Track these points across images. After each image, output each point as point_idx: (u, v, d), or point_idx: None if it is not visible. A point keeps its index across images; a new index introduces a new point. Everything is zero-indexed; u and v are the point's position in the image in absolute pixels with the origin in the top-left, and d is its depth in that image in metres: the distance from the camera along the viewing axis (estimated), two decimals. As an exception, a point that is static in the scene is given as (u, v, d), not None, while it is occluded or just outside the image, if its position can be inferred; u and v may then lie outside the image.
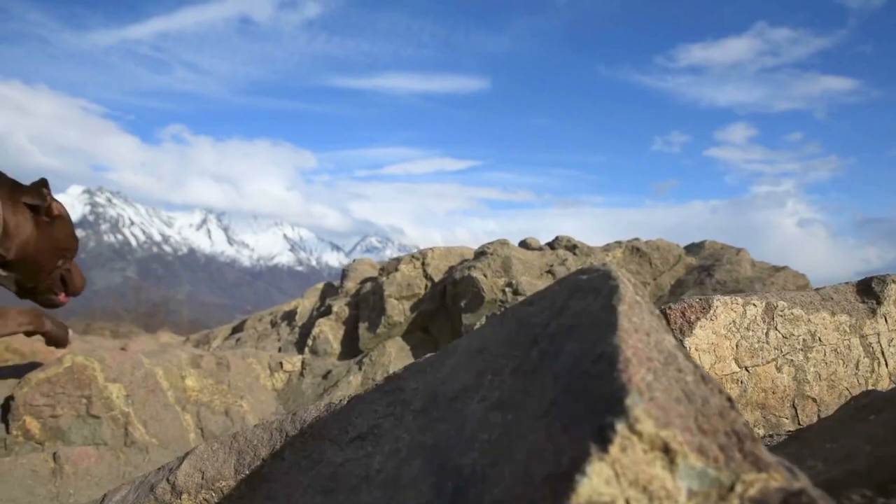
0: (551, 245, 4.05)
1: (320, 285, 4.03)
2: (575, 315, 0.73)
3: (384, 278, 3.38)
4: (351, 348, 3.32)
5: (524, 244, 4.34)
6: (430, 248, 3.55)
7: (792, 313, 1.59)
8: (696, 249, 3.62)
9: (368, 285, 3.50)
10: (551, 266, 3.34)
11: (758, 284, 3.05)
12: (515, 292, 2.99)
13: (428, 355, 1.10)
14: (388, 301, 3.27)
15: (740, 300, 1.54)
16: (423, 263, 3.46)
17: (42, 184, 2.03)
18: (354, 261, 3.95)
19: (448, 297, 3.23)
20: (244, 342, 3.86)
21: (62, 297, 2.22)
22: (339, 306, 3.48)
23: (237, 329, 4.84)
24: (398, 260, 3.48)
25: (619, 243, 3.72)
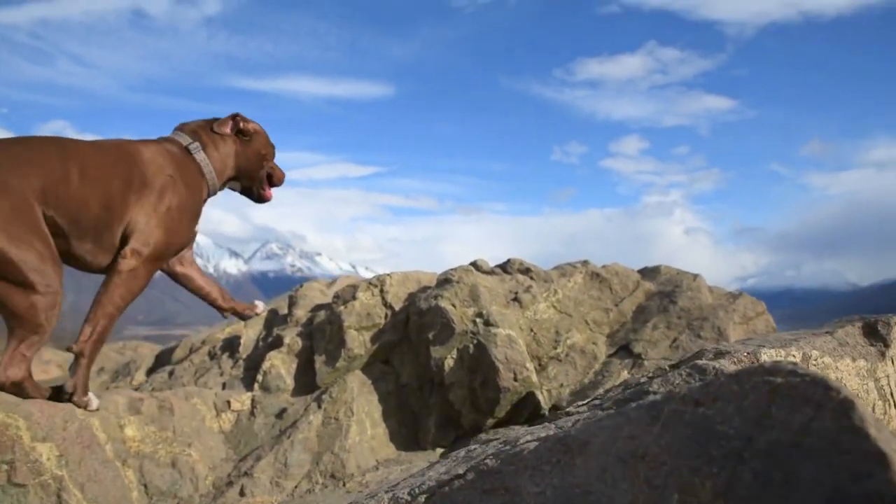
0: (504, 268, 3.97)
1: (263, 312, 3.74)
2: (795, 432, 0.62)
3: (342, 307, 3.16)
4: (306, 383, 3.07)
5: (475, 266, 4.24)
6: (388, 274, 3.37)
7: (823, 362, 1.56)
8: (651, 274, 3.65)
9: (322, 314, 3.27)
10: (516, 293, 3.25)
11: (720, 312, 3.09)
12: (487, 323, 2.87)
13: (525, 440, 0.94)
14: (347, 332, 3.06)
15: (783, 351, 1.49)
16: (381, 291, 3.28)
17: (234, 114, 2.66)
18: (303, 285, 3.70)
19: (412, 328, 3.06)
20: (179, 377, 3.50)
21: (268, 192, 2.73)
22: (291, 337, 3.23)
23: (162, 360, 4.42)
24: (354, 287, 3.27)
25: (575, 267, 3.69)
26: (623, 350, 3.08)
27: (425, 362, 2.93)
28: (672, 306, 3.21)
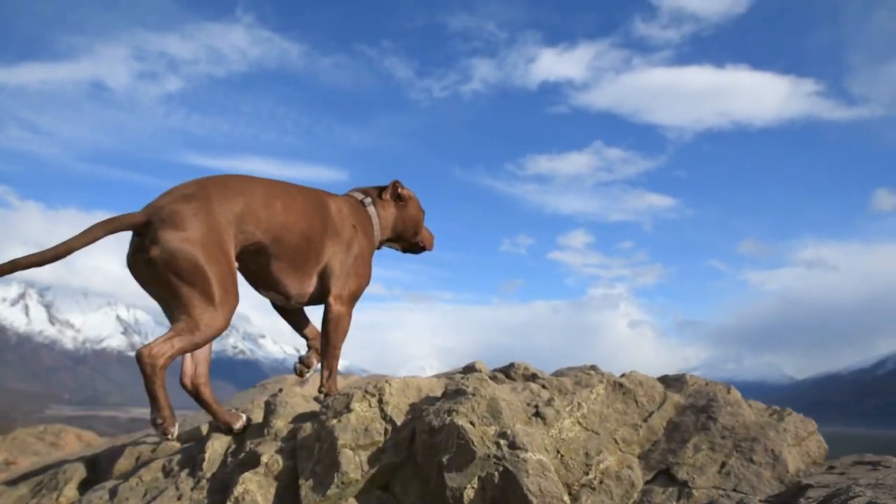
0: (507, 374, 3.55)
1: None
2: None
3: (334, 421, 2.66)
4: (288, 515, 2.52)
5: (472, 369, 3.80)
6: (386, 381, 2.90)
7: None
8: (676, 384, 3.29)
9: (308, 427, 2.75)
10: (537, 407, 2.82)
11: (770, 431, 2.73)
12: (513, 445, 2.42)
13: None
14: (342, 452, 2.55)
15: None
16: (379, 401, 2.80)
17: (394, 181, 3.32)
18: (281, 391, 3.17)
19: (420, 448, 2.57)
20: (124, 499, 2.88)
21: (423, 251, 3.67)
22: (270, 455, 2.69)
23: (98, 469, 3.74)
24: (348, 396, 2.78)
25: (594, 373, 3.31)
26: (663, 476, 2.66)
27: (437, 491, 2.43)
28: (712, 423, 2.83)
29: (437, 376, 3.75)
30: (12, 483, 4.10)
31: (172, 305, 2.45)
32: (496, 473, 2.35)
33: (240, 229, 2.56)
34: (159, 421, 2.53)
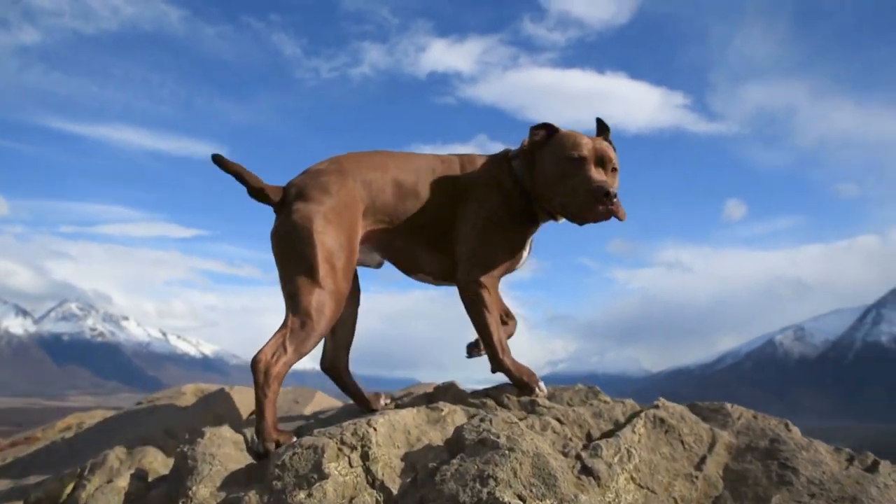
0: (496, 399, 2.75)
1: (124, 483, 2.13)
2: None
3: (302, 496, 1.72)
4: None
5: (447, 389, 2.95)
6: (368, 423, 2.00)
7: None
8: (716, 417, 2.63)
9: (254, 501, 1.79)
10: (580, 459, 2.04)
11: (871, 488, 2.12)
12: (581, 532, 1.62)
13: None
14: (318, 549, 1.62)
15: None
16: (364, 457, 1.89)
17: (532, 128, 2.76)
18: (201, 438, 2.16)
19: (435, 534, 1.70)
20: None
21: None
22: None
23: None
24: (316, 450, 1.85)
25: (610, 401, 2.59)
26: (747, 550, 1.97)
27: None
28: (793, 477, 2.18)
29: (410, 399, 2.87)
30: None
31: (283, 289, 2.33)
32: (566, 580, 1.54)
33: (374, 207, 2.51)
34: (258, 440, 2.10)
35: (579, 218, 2.50)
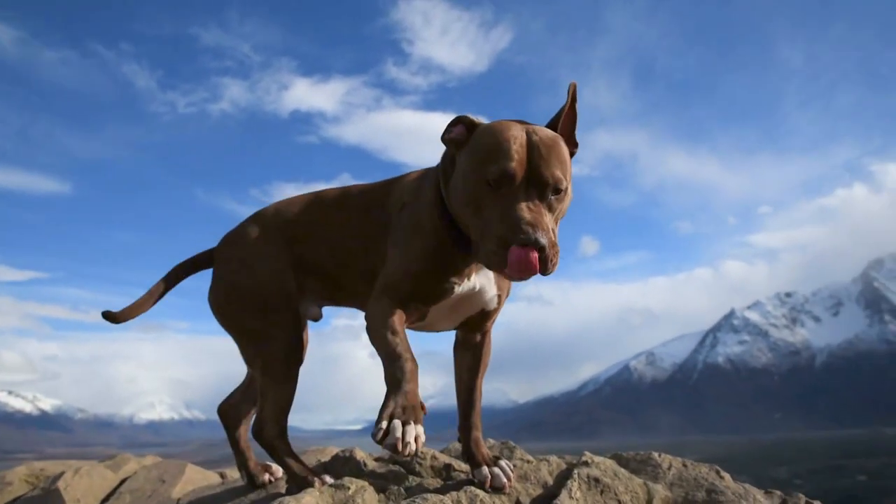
0: (435, 467, 2.40)
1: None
2: None
3: None
4: None
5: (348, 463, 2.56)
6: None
7: None
8: (645, 468, 2.45)
9: None
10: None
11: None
12: None
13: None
14: None
15: None
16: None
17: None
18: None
19: None
20: None
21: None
22: None
23: None
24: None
25: (561, 470, 2.34)
26: None
27: None
28: (741, 536, 2.02)
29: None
30: None
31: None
32: None
33: (296, 253, 2.39)
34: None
35: (490, 269, 1.77)
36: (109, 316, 2.37)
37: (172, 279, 2.53)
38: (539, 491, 2.22)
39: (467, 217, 1.82)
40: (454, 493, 2.05)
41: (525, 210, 1.67)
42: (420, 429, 1.62)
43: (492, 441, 2.76)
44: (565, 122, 1.89)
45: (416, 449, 1.57)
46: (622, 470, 2.36)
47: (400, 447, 1.54)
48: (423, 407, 1.71)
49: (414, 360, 1.80)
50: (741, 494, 2.21)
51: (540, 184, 1.72)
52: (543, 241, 1.62)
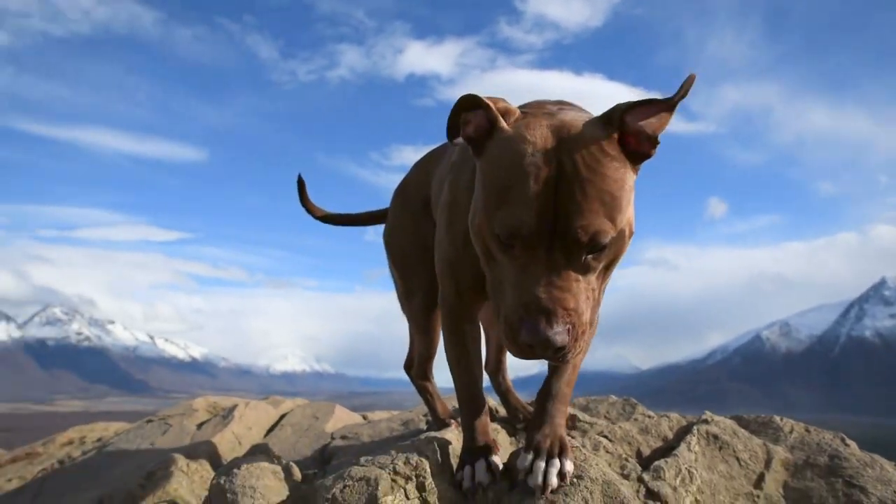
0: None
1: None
2: None
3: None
4: None
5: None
6: (420, 454, 1.87)
7: None
8: (766, 431, 2.53)
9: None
10: (642, 480, 1.92)
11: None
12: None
13: None
14: None
15: None
16: (419, 487, 1.77)
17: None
18: (245, 466, 2.02)
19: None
20: None
21: None
22: None
23: None
24: (369, 483, 1.72)
25: (682, 426, 2.48)
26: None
27: None
28: (863, 497, 2.08)
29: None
30: None
31: None
32: None
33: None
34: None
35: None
36: (309, 207, 2.81)
37: (370, 219, 2.78)
38: (659, 444, 2.38)
39: (482, 265, 1.46)
40: (580, 439, 2.26)
41: (542, 284, 1.27)
42: (493, 459, 1.76)
43: (614, 398, 2.93)
44: (651, 115, 1.36)
45: (489, 479, 1.72)
46: (742, 430, 2.45)
47: (471, 498, 1.71)
48: (494, 443, 1.84)
49: (477, 397, 1.88)
50: (867, 463, 2.24)
51: (568, 241, 1.27)
52: (558, 340, 1.25)
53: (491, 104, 1.38)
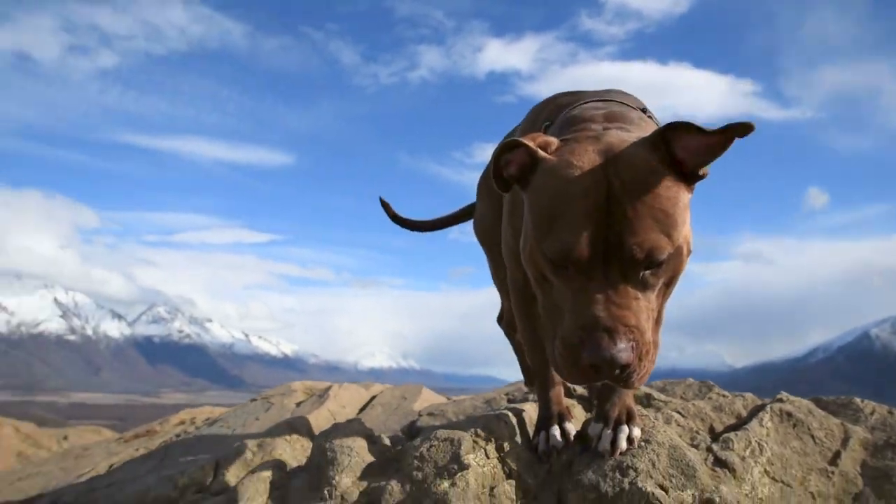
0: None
1: (264, 465, 2.27)
2: None
3: (443, 484, 1.79)
4: None
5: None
6: (499, 419, 2.05)
7: None
8: (845, 412, 2.54)
9: (397, 489, 1.87)
10: (711, 450, 2.02)
11: None
12: (728, 525, 1.62)
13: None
14: (466, 536, 1.69)
15: None
16: (498, 448, 1.94)
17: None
18: (342, 429, 2.27)
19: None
20: None
21: None
22: (343, 534, 1.80)
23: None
24: (453, 443, 1.92)
25: (757, 405, 2.54)
26: (897, 550, 1.91)
27: None
28: (947, 475, 2.08)
29: (522, 394, 2.91)
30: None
31: None
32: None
33: None
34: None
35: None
36: (401, 222, 2.99)
37: (457, 218, 3.00)
38: (732, 421, 2.44)
39: (535, 289, 1.45)
40: (653, 413, 2.37)
41: (600, 303, 1.25)
42: (567, 425, 1.93)
43: (691, 380, 2.99)
44: (703, 146, 1.28)
45: (562, 443, 1.88)
46: (819, 410, 2.47)
47: (546, 459, 1.89)
48: (568, 411, 2.00)
49: (548, 370, 1.99)
50: (948, 440, 2.23)
51: (623, 259, 1.26)
52: (623, 357, 1.22)
53: (528, 142, 1.39)
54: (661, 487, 1.69)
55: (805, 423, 2.36)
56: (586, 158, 1.31)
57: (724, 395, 2.65)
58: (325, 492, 1.99)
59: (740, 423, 2.35)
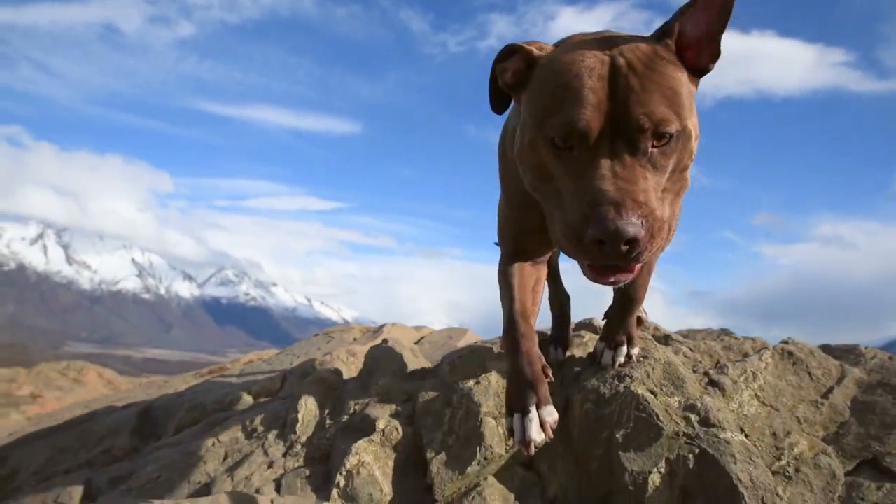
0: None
1: (324, 373, 2.70)
2: None
3: (471, 384, 2.16)
4: (413, 493, 2.05)
5: (586, 325, 3.28)
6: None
7: None
8: (849, 357, 2.76)
9: (429, 389, 2.25)
10: (707, 374, 2.31)
11: None
12: (705, 422, 1.92)
13: None
14: (485, 422, 2.05)
15: None
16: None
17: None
18: (390, 342, 2.67)
19: (577, 420, 2.08)
20: (200, 462, 2.41)
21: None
22: (386, 420, 2.20)
23: (153, 419, 3.30)
24: (477, 350, 2.28)
25: (740, 338, 2.79)
26: (869, 467, 2.16)
27: (601, 473, 1.95)
28: (923, 408, 2.30)
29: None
30: (56, 431, 3.68)
31: None
32: (690, 456, 1.86)
33: None
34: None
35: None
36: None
37: None
38: (739, 359, 2.70)
39: (534, 190, 1.36)
40: (664, 347, 2.66)
41: (607, 178, 1.16)
42: (545, 411, 1.53)
43: (713, 328, 3.25)
44: (698, 23, 1.27)
45: (544, 439, 1.50)
46: (821, 352, 2.70)
47: (525, 450, 1.48)
48: (544, 370, 1.65)
49: (522, 322, 1.66)
50: (936, 381, 2.43)
51: (631, 130, 1.18)
52: (631, 231, 1.12)
53: (524, 45, 1.35)
54: (651, 392, 2.00)
55: (805, 362, 2.60)
56: (587, 45, 1.28)
57: (736, 339, 2.90)
58: (373, 390, 2.39)
59: (743, 358, 2.61)
